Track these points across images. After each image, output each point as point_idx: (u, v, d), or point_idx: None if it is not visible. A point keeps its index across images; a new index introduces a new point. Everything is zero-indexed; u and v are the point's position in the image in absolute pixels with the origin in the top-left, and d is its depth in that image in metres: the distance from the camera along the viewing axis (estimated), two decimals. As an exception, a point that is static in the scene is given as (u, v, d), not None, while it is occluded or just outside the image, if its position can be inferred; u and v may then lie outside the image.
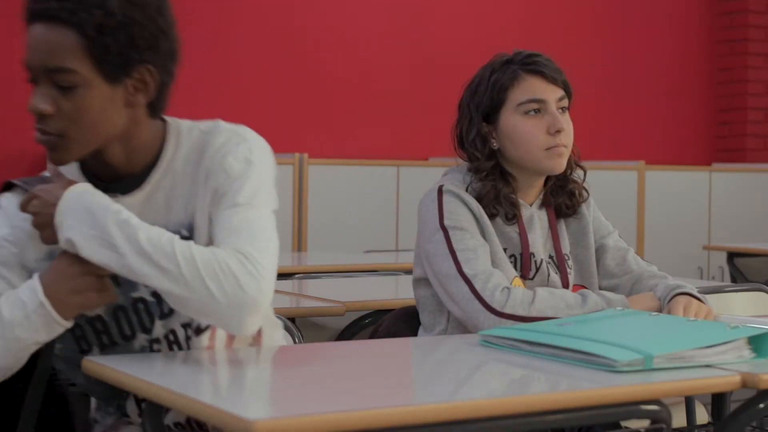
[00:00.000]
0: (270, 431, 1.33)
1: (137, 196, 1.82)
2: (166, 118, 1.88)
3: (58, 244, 1.72)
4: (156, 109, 1.82)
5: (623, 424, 2.12)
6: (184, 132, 1.86)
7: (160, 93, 1.80)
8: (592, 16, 6.75)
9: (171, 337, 1.87)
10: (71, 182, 1.75)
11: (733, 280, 5.00)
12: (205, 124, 1.88)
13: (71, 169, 1.85)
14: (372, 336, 2.53)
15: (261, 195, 1.79)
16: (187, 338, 1.87)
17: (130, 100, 1.76)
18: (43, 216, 1.73)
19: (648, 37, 6.94)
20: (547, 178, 2.40)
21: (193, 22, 5.42)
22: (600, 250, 2.44)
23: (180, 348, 1.87)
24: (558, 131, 2.31)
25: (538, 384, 1.75)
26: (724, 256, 5.24)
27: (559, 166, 2.34)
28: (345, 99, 5.91)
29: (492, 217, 2.32)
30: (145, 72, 1.75)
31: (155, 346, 1.87)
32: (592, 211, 2.46)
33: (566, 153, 2.35)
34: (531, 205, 2.39)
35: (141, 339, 1.86)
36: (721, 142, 7.18)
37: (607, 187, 5.68)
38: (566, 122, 2.34)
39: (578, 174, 2.44)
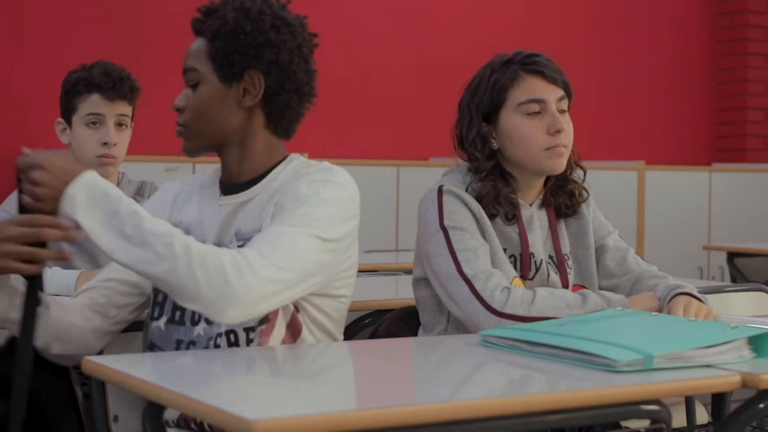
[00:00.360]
0: (270, 431, 1.33)
1: (232, 199, 2.04)
2: (293, 154, 2.08)
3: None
4: (275, 123, 2.04)
5: (623, 424, 2.12)
6: (296, 161, 2.06)
7: (277, 108, 2.02)
8: (592, 16, 6.75)
9: (232, 338, 1.94)
10: (83, 168, 1.89)
11: (733, 280, 5.00)
12: (318, 162, 2.05)
13: (212, 180, 2.11)
14: (372, 336, 2.53)
15: (313, 220, 1.91)
16: (249, 341, 1.93)
17: (240, 101, 2.01)
18: (49, 189, 1.85)
19: (648, 37, 6.94)
20: (547, 178, 2.40)
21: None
22: (600, 250, 2.44)
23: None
24: (558, 131, 2.31)
25: (538, 384, 1.75)
26: (724, 256, 5.24)
27: (559, 166, 2.34)
28: (345, 99, 5.91)
29: (492, 217, 2.32)
30: (251, 76, 1.99)
31: (218, 340, 1.94)
32: (591, 211, 2.46)
33: (566, 153, 2.35)
34: (531, 205, 2.39)
35: (202, 328, 1.97)
36: (721, 142, 7.18)
37: (607, 187, 5.68)
38: (566, 122, 2.34)
39: (578, 174, 2.44)
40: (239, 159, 2.05)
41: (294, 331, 1.96)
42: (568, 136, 2.34)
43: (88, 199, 1.84)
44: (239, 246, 1.94)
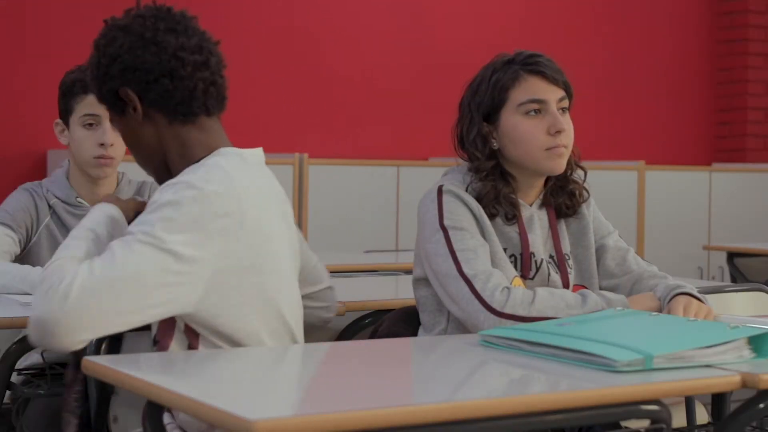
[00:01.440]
0: (270, 431, 1.33)
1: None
2: (221, 150, 1.98)
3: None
4: (172, 110, 1.98)
5: (623, 424, 2.11)
6: (218, 152, 1.98)
7: (158, 100, 1.97)
8: (592, 16, 6.74)
9: None
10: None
11: (733, 280, 4.99)
12: (204, 166, 1.94)
13: None
14: (372, 336, 2.53)
15: (157, 230, 1.80)
16: None
17: (136, 118, 2.00)
18: None
19: (648, 37, 6.94)
20: (548, 179, 2.40)
21: (193, 22, 5.42)
22: (600, 250, 2.44)
23: None
24: (558, 132, 2.31)
25: (538, 384, 1.75)
26: (724, 256, 5.24)
27: (559, 166, 2.34)
28: (345, 99, 5.91)
29: (492, 217, 2.32)
30: (124, 94, 1.99)
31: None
32: (592, 211, 2.46)
33: (566, 153, 2.35)
34: (531, 205, 2.39)
35: None
36: (721, 142, 7.17)
37: (607, 187, 5.68)
38: (567, 123, 2.34)
39: (578, 174, 2.44)
40: (173, 167, 1.99)
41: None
42: (568, 137, 2.34)
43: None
44: None
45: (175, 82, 1.96)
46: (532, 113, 2.32)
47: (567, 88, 2.36)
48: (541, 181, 2.40)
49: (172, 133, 1.99)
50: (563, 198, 2.41)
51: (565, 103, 2.35)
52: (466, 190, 2.32)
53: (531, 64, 2.33)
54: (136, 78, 1.97)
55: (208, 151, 1.97)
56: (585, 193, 2.44)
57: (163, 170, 2.02)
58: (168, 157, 2.00)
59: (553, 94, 2.33)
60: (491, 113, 2.36)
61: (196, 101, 1.97)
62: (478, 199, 2.31)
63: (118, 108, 2.01)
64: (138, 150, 2.04)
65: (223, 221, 1.84)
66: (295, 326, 1.99)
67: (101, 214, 2.01)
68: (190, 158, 1.97)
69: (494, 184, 2.33)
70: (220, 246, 1.82)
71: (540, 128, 2.31)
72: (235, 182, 1.88)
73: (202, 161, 1.95)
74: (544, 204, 2.41)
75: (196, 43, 1.99)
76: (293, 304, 2.01)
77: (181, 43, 1.96)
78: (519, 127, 2.32)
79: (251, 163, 1.99)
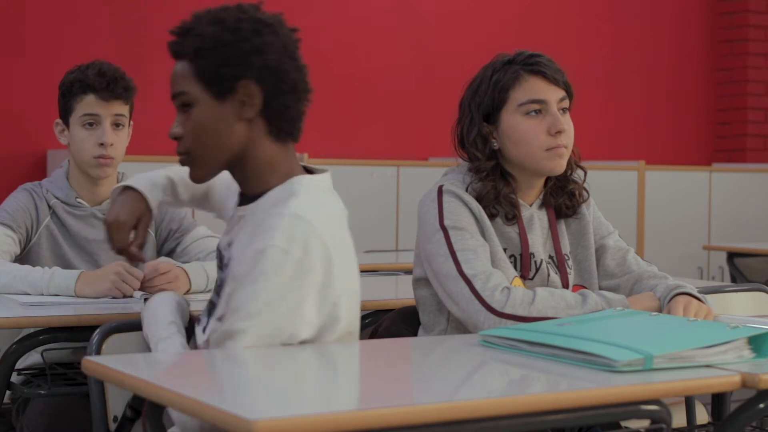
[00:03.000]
0: (270, 431, 1.33)
1: (240, 211, 1.99)
2: (295, 179, 1.96)
3: None
4: (277, 128, 1.95)
5: (623, 424, 2.11)
6: (286, 191, 1.94)
7: (276, 111, 1.94)
8: (592, 17, 6.75)
9: None
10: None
11: (733, 280, 5.00)
12: (292, 199, 1.91)
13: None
14: (372, 336, 2.53)
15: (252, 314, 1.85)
16: None
17: (240, 114, 1.93)
18: None
19: (648, 37, 6.94)
20: (548, 179, 2.40)
21: (193, 22, 5.42)
22: (600, 251, 2.44)
23: None
24: (559, 132, 2.31)
25: (538, 384, 1.75)
26: (724, 256, 5.24)
27: (560, 167, 2.34)
28: (345, 99, 5.91)
29: (492, 217, 2.32)
30: (245, 86, 1.91)
31: None
32: (592, 211, 2.46)
33: (566, 154, 2.35)
34: (531, 206, 2.39)
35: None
36: (721, 142, 7.18)
37: (607, 187, 5.68)
38: (567, 123, 2.34)
39: (578, 174, 2.44)
40: (245, 174, 1.97)
41: None
42: (568, 137, 2.34)
43: None
44: (229, 257, 1.95)
45: (295, 101, 1.96)
46: (533, 113, 2.32)
47: (567, 89, 2.36)
48: (541, 182, 2.40)
49: (264, 145, 1.95)
50: (563, 198, 2.41)
51: (566, 104, 2.35)
52: (466, 190, 2.32)
53: (531, 64, 2.33)
54: (270, 80, 1.92)
55: (285, 176, 1.96)
56: (585, 194, 2.44)
57: (221, 168, 1.98)
58: (242, 164, 1.96)
59: (553, 95, 2.33)
60: (491, 113, 2.36)
61: (297, 125, 1.99)
62: (478, 199, 2.31)
63: (216, 90, 1.92)
64: (210, 138, 1.94)
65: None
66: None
67: (168, 302, 2.06)
68: (268, 176, 1.96)
69: (494, 184, 2.33)
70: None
71: (540, 128, 2.31)
72: (327, 241, 1.88)
73: (283, 199, 1.92)
74: (544, 204, 2.41)
75: (307, 71, 2.02)
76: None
77: (304, 66, 2.00)
78: (519, 127, 2.32)
79: (326, 191, 2.00)
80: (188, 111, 1.93)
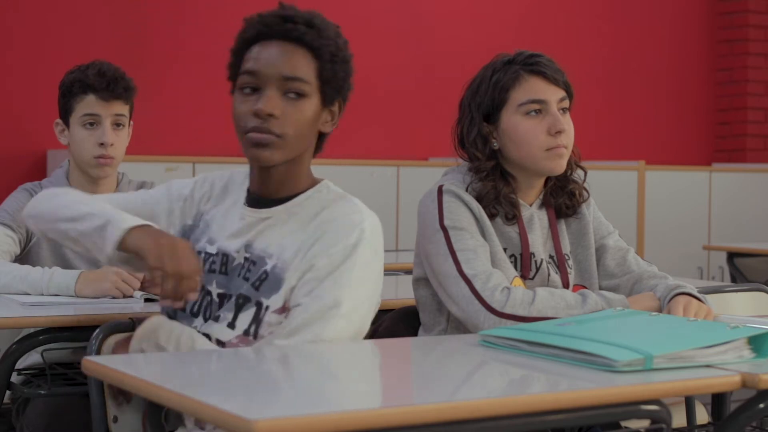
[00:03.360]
0: (270, 431, 1.33)
1: (255, 214, 2.02)
2: (324, 182, 2.09)
3: None
4: (320, 146, 2.08)
5: (623, 424, 2.11)
6: (324, 192, 2.06)
7: (329, 131, 2.06)
8: (592, 17, 6.75)
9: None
10: None
11: (733, 280, 5.00)
12: (342, 197, 2.06)
13: (241, 181, 2.10)
14: (372, 336, 2.53)
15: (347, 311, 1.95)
16: None
17: (323, 125, 2.03)
18: None
19: (648, 37, 6.94)
20: (547, 179, 2.40)
21: (193, 21, 5.42)
22: (600, 250, 2.44)
23: None
24: (559, 132, 2.31)
25: (538, 384, 1.75)
26: (724, 256, 5.24)
27: (559, 167, 2.34)
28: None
29: (492, 217, 2.32)
30: (339, 104, 2.03)
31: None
32: (592, 211, 2.46)
33: (566, 154, 2.35)
34: (531, 206, 2.39)
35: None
36: (721, 142, 7.18)
37: (607, 187, 5.68)
38: (567, 123, 2.34)
39: (578, 174, 2.44)
40: (285, 176, 2.02)
41: None
42: (568, 137, 2.34)
43: None
44: (246, 257, 1.97)
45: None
46: (533, 113, 2.32)
47: (567, 89, 2.36)
48: (541, 181, 2.40)
49: (310, 154, 2.06)
50: (563, 198, 2.41)
51: (566, 104, 2.35)
52: (466, 190, 2.32)
53: (531, 64, 2.33)
54: (345, 104, 2.05)
55: (312, 181, 2.07)
56: (585, 194, 2.44)
57: (290, 159, 2.00)
58: (296, 165, 2.02)
59: (553, 95, 2.33)
60: (491, 113, 2.36)
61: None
62: (478, 199, 2.31)
63: (327, 97, 2.00)
64: (306, 133, 2.00)
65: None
66: None
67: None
68: (301, 181, 2.05)
69: (494, 184, 2.33)
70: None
71: (540, 128, 2.31)
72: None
73: (337, 198, 2.05)
74: (544, 204, 2.41)
75: None
76: None
77: None
78: (519, 127, 2.32)
79: None
80: (296, 99, 1.96)
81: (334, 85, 1.99)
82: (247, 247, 2.00)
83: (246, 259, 1.99)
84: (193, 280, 1.89)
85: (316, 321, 1.87)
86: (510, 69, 2.34)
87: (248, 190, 2.07)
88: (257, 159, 1.97)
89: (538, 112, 2.32)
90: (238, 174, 2.13)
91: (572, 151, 2.38)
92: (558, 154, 2.32)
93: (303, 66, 1.96)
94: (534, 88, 2.32)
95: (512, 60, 2.36)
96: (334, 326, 1.88)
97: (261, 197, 2.04)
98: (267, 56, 1.96)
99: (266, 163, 1.98)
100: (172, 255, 1.88)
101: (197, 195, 2.13)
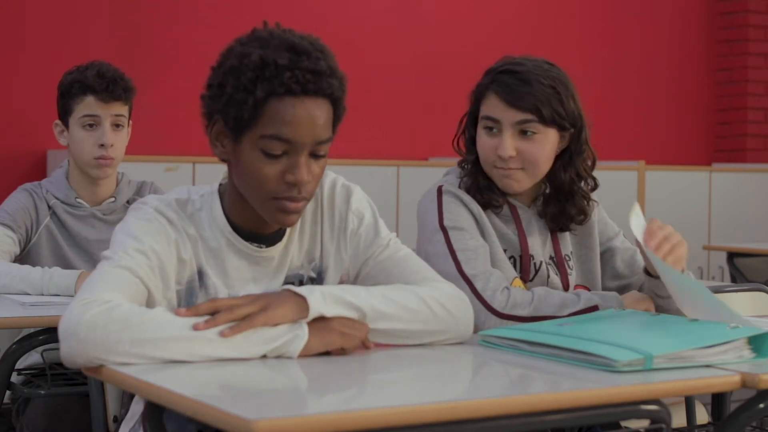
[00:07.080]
0: (270, 431, 1.33)
1: (274, 250, 1.94)
2: None
3: None
4: None
5: (623, 424, 2.11)
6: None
7: None
8: (592, 17, 6.75)
9: None
10: None
11: (733, 280, 4.99)
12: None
13: (218, 219, 1.90)
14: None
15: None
16: None
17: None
18: None
19: (648, 37, 6.94)
20: (544, 185, 2.40)
21: (193, 21, 5.42)
22: (609, 252, 2.43)
23: None
24: (501, 156, 2.29)
25: (538, 384, 1.75)
26: (724, 256, 5.24)
27: (509, 186, 2.31)
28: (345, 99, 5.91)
29: (485, 207, 2.31)
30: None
31: None
32: (597, 211, 2.46)
33: (516, 175, 2.30)
34: (529, 208, 2.39)
35: None
36: (721, 142, 7.18)
37: (607, 187, 5.65)
38: (531, 145, 2.29)
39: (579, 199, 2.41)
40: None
41: None
42: (517, 161, 2.29)
43: None
44: (312, 279, 1.97)
45: None
46: (490, 130, 2.31)
47: (538, 111, 2.28)
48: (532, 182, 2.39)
49: None
50: (561, 211, 2.39)
51: (533, 126, 2.29)
52: (459, 186, 2.33)
53: (494, 82, 2.31)
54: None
55: None
56: (583, 216, 2.41)
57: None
58: None
59: (509, 116, 2.29)
60: (475, 117, 2.38)
61: None
62: (468, 192, 2.32)
63: (335, 128, 1.93)
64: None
65: None
66: None
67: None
68: None
69: (475, 176, 2.33)
70: None
71: (491, 147, 2.30)
72: None
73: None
74: (542, 216, 2.40)
75: None
76: None
77: None
78: (480, 141, 2.33)
79: None
80: (321, 157, 1.87)
81: (340, 120, 1.93)
82: (293, 276, 1.97)
83: (312, 280, 1.99)
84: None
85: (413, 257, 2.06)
86: (484, 80, 2.34)
87: (243, 235, 1.92)
88: (283, 224, 1.88)
89: (492, 129, 2.31)
90: (204, 226, 1.90)
91: (585, 161, 2.37)
92: (504, 175, 2.30)
93: (329, 122, 1.88)
94: (491, 106, 2.31)
95: (492, 70, 2.34)
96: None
97: (266, 234, 1.94)
98: (303, 121, 1.82)
99: (291, 225, 1.90)
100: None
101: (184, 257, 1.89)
